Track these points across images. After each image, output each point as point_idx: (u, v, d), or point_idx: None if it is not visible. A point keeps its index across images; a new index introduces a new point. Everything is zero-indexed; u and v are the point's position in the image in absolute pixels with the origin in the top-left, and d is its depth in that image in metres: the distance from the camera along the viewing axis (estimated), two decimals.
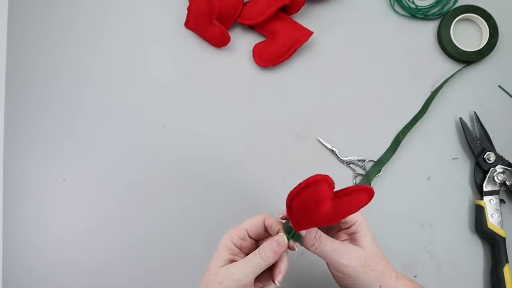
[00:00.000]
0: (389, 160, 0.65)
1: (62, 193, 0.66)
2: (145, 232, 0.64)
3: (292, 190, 0.40)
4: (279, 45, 0.66)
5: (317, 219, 0.41)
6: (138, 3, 0.71)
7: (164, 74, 0.69)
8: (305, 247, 0.46)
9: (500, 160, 0.63)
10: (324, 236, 0.45)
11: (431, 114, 0.67)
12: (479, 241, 0.64)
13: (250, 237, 0.46)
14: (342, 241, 0.47)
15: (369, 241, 0.47)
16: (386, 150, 0.65)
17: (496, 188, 0.63)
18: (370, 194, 0.42)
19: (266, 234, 0.47)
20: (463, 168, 0.66)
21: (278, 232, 0.45)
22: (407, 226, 0.64)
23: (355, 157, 0.64)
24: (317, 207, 0.40)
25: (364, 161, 0.65)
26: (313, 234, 0.45)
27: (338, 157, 0.64)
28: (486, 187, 0.63)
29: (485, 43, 0.67)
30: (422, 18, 0.69)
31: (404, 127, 0.66)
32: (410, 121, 0.66)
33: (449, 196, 0.65)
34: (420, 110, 0.66)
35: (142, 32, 0.70)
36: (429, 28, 0.69)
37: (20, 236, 0.65)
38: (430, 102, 0.66)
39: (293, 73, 0.68)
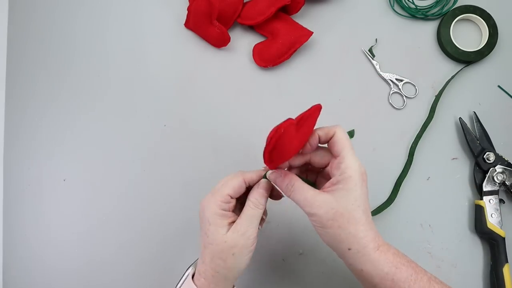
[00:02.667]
0: (408, 172, 0.65)
1: (62, 193, 0.66)
2: (146, 231, 0.64)
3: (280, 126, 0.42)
4: (279, 45, 0.66)
5: (288, 150, 0.44)
6: (138, 3, 0.71)
7: (164, 74, 0.69)
8: (284, 193, 0.47)
9: (499, 160, 0.64)
10: (298, 184, 0.45)
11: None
12: (478, 241, 0.64)
13: (232, 198, 0.47)
14: (326, 189, 0.45)
15: (350, 199, 0.43)
16: (405, 165, 0.65)
17: (496, 188, 0.63)
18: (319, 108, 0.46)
19: (246, 190, 0.49)
20: (462, 168, 0.66)
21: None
22: (407, 226, 0.64)
23: (393, 75, 0.67)
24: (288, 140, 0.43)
25: (401, 81, 0.67)
26: (285, 182, 0.46)
27: (378, 71, 0.67)
28: (486, 187, 0.63)
29: (484, 43, 0.67)
30: (422, 18, 0.70)
31: (416, 137, 0.66)
32: (420, 129, 0.66)
33: (448, 196, 0.65)
34: (428, 116, 0.66)
35: (142, 32, 0.70)
36: (429, 28, 0.70)
37: (21, 235, 0.65)
38: (435, 106, 0.66)
39: (293, 73, 0.68)
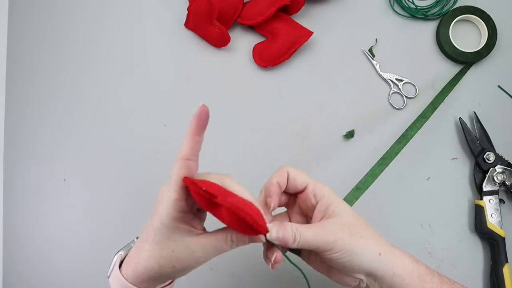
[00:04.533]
0: (396, 155, 0.61)
1: (62, 193, 0.66)
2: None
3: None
4: (279, 45, 0.66)
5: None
6: (138, 3, 0.71)
7: (164, 74, 0.69)
8: (287, 246, 0.40)
9: (499, 160, 0.64)
10: (299, 225, 0.40)
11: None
12: (478, 241, 0.64)
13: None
14: (319, 221, 0.42)
15: (347, 209, 0.42)
16: (394, 144, 0.62)
17: (496, 188, 0.63)
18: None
19: None
20: (462, 168, 0.66)
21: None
22: (407, 226, 0.64)
23: (393, 75, 0.67)
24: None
25: (401, 81, 0.67)
26: (289, 230, 0.40)
27: (378, 71, 0.68)
28: (486, 187, 0.63)
29: (483, 44, 0.67)
30: (422, 18, 0.70)
31: (412, 123, 0.64)
32: (418, 118, 0.64)
33: (448, 196, 0.65)
34: (427, 109, 0.65)
35: (142, 32, 0.70)
36: (429, 28, 0.70)
37: (21, 235, 0.65)
38: (439, 103, 0.65)
39: (293, 73, 0.68)
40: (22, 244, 0.64)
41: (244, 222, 0.36)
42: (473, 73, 0.68)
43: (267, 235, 0.39)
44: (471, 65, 0.68)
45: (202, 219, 0.43)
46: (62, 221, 0.65)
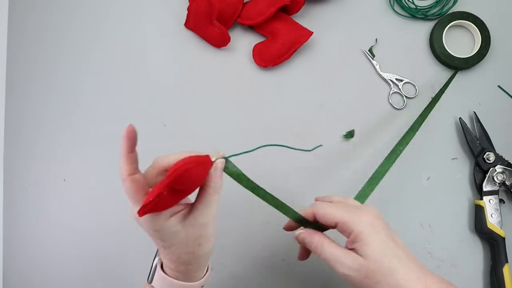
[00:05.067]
0: (386, 172, 0.58)
1: (62, 193, 0.66)
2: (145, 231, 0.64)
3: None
4: (279, 45, 0.66)
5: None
6: (138, 3, 0.71)
7: (164, 74, 0.69)
8: (312, 251, 0.45)
9: (499, 160, 0.64)
10: (327, 242, 0.44)
11: (431, 114, 0.67)
12: (478, 241, 0.64)
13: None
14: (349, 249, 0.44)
15: (374, 251, 0.41)
16: (382, 163, 0.59)
17: (496, 188, 0.63)
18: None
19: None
20: (462, 168, 0.66)
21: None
22: (407, 226, 0.64)
23: (393, 75, 0.67)
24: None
25: (401, 81, 0.67)
26: (315, 239, 0.44)
27: (378, 71, 0.68)
28: (486, 187, 0.63)
29: (475, 51, 0.66)
30: (422, 19, 0.70)
31: (402, 138, 0.61)
32: (408, 131, 0.62)
33: (449, 196, 0.65)
34: (419, 117, 0.63)
35: (142, 32, 0.70)
36: (429, 29, 0.70)
37: (21, 235, 0.65)
38: (430, 110, 0.64)
39: (293, 73, 0.68)
40: (22, 244, 0.65)
41: (183, 175, 0.40)
42: (473, 73, 0.68)
43: (296, 233, 0.47)
44: (458, 71, 0.67)
45: (184, 202, 0.46)
46: (62, 221, 0.65)
